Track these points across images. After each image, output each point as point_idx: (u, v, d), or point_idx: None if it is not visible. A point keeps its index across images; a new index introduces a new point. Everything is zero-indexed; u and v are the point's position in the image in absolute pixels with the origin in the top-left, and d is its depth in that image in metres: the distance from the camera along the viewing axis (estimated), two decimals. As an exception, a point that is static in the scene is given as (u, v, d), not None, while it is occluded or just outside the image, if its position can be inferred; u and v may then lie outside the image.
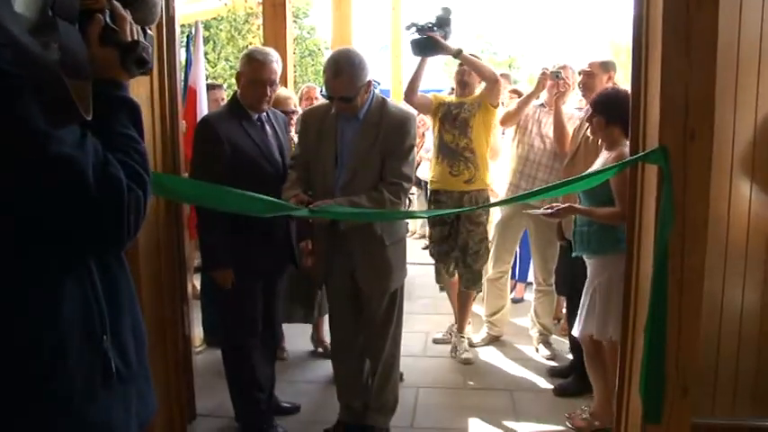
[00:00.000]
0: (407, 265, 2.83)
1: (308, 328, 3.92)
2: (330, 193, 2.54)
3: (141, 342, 1.21)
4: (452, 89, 3.94)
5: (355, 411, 2.82)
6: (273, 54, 2.71)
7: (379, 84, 2.96)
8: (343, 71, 2.47)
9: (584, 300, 2.79)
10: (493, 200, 3.80)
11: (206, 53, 9.93)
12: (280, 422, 2.89)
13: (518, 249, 4.25)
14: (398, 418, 2.91)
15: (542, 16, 33.24)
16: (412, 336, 3.93)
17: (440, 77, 7.96)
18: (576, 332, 2.85)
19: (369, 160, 2.56)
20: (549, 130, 3.72)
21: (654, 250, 2.08)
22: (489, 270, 3.98)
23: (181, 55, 3.26)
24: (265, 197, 2.30)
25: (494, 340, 4.08)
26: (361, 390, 2.84)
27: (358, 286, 2.68)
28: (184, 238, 2.79)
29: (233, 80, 3.43)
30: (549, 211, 2.79)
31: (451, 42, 3.57)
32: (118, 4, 1.10)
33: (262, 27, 5.45)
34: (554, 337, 3.98)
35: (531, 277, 4.48)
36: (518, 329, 4.26)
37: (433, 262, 3.94)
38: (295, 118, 3.57)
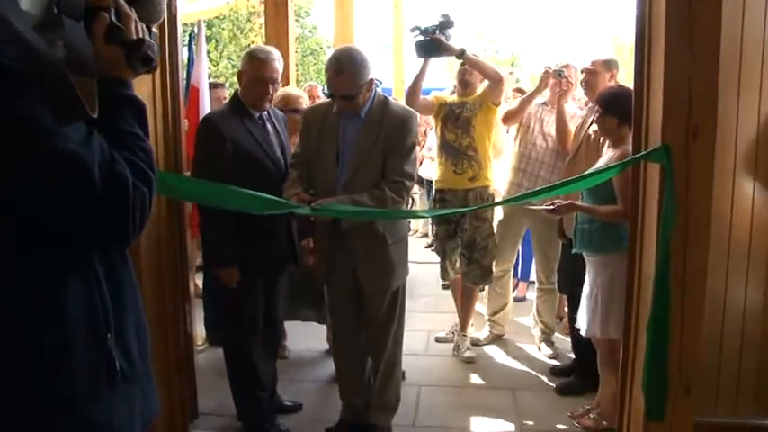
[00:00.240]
0: (409, 264, 2.83)
1: (309, 327, 3.90)
2: (331, 192, 2.54)
3: (145, 341, 1.20)
4: (454, 88, 3.95)
5: (357, 410, 2.82)
6: (275, 53, 2.71)
7: (380, 82, 2.97)
8: (345, 69, 2.47)
9: (587, 300, 2.79)
10: (496, 198, 3.82)
11: (208, 52, 9.92)
12: (282, 421, 2.89)
13: (520, 248, 4.24)
14: (400, 416, 2.91)
15: (544, 14, 33.19)
16: (414, 334, 3.92)
17: (442, 77, 7.94)
18: (584, 332, 2.83)
19: (370, 158, 2.57)
20: (551, 128, 3.72)
21: (656, 249, 2.08)
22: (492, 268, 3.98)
23: (183, 54, 3.27)
24: (267, 195, 2.30)
25: (496, 339, 4.08)
26: (363, 388, 2.84)
27: (360, 285, 2.68)
28: (186, 235, 2.79)
29: (235, 79, 3.43)
30: (551, 207, 2.79)
31: (454, 43, 3.60)
32: (123, 3, 1.10)
33: (264, 26, 5.45)
34: (556, 335, 3.98)
35: (533, 276, 4.48)
36: (520, 328, 4.26)
37: (437, 260, 3.94)
38: None
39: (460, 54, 3.59)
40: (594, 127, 3.07)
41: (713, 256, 2.11)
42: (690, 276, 2.06)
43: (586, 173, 2.59)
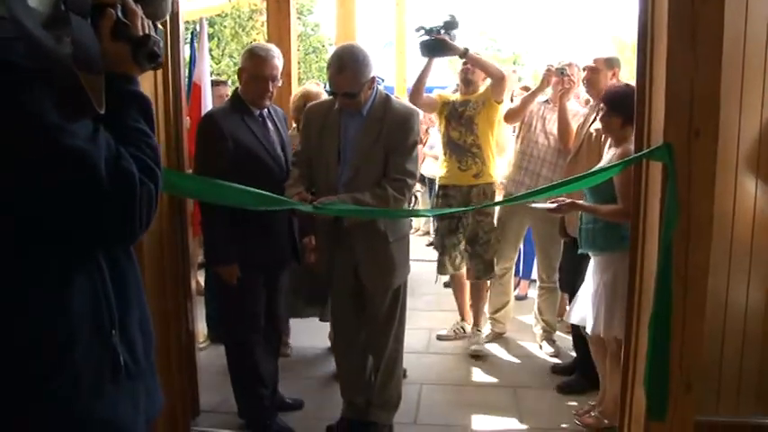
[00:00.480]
0: (411, 262, 2.83)
1: (311, 325, 3.90)
2: (333, 190, 2.54)
3: (149, 337, 1.21)
4: (457, 86, 3.97)
5: (358, 408, 2.83)
6: (275, 50, 2.72)
7: (382, 80, 2.97)
8: (347, 67, 2.47)
9: (592, 298, 2.78)
10: (498, 194, 3.84)
11: (210, 50, 9.93)
12: (283, 418, 2.90)
13: (522, 246, 4.25)
14: (401, 414, 2.91)
15: (546, 13, 33.18)
16: (415, 332, 3.93)
17: (445, 75, 7.93)
18: (589, 330, 2.83)
19: (372, 156, 2.57)
20: (553, 126, 3.72)
21: (658, 247, 2.08)
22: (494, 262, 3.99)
23: (185, 51, 3.27)
24: (268, 193, 2.31)
25: (497, 337, 4.08)
26: (364, 386, 2.84)
27: (361, 283, 2.68)
28: (188, 232, 2.80)
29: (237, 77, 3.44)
30: (553, 205, 2.79)
31: (457, 42, 3.64)
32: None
33: (266, 23, 5.45)
34: (558, 334, 3.98)
35: (534, 274, 4.48)
36: (521, 326, 4.26)
37: (437, 256, 3.95)
38: None
39: (464, 53, 3.65)
40: (596, 125, 3.06)
41: (715, 255, 2.11)
42: (691, 275, 2.06)
43: (588, 171, 2.58)
